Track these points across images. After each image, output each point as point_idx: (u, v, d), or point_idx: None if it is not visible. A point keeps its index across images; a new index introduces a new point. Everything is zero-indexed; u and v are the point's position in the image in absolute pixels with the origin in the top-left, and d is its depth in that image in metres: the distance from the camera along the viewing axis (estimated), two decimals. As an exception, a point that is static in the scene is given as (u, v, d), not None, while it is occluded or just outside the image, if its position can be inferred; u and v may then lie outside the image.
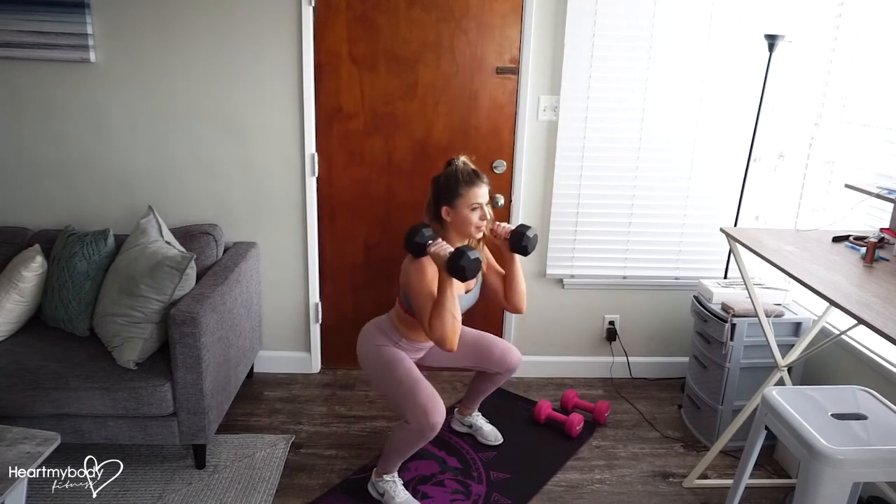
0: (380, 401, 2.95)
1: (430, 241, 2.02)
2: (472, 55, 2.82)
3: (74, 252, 2.55)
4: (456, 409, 2.73)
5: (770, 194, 3.00)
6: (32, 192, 2.86)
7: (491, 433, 2.64)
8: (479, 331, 2.50)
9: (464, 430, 2.69)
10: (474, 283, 2.25)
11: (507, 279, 2.27)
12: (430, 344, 2.28)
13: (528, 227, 2.16)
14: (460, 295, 2.13)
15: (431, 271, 2.05)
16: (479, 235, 2.16)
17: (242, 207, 2.93)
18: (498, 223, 2.25)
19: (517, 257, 2.24)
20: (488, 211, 2.15)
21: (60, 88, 2.75)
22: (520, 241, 2.16)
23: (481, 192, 2.11)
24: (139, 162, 2.85)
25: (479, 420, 2.67)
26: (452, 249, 1.94)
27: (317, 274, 3.05)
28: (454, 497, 2.32)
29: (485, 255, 2.32)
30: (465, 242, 2.15)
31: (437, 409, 2.07)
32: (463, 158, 2.16)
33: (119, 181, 2.87)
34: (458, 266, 1.89)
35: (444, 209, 2.13)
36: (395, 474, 2.28)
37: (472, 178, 2.11)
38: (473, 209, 2.10)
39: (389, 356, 2.20)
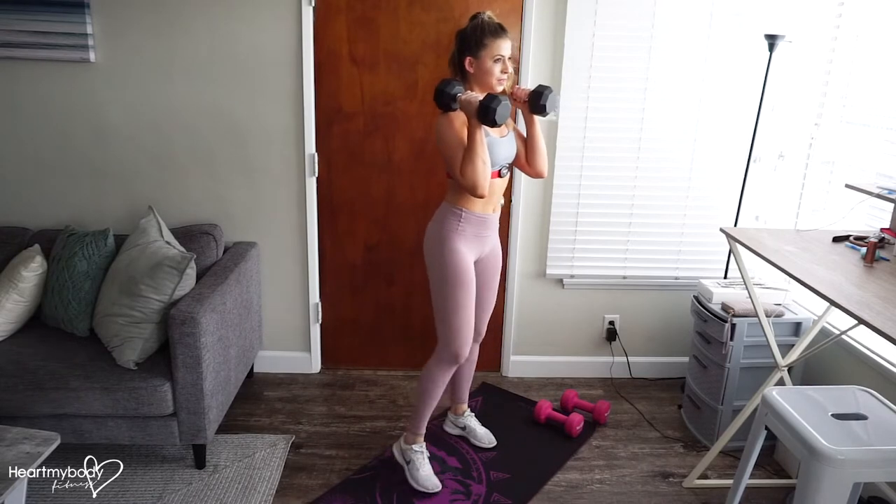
0: (380, 401, 2.95)
1: (459, 93, 2.05)
2: (472, 55, 2.82)
3: (74, 252, 2.55)
4: (448, 410, 2.71)
5: (770, 194, 3.00)
6: (32, 192, 2.86)
7: (485, 436, 2.62)
8: (496, 294, 2.47)
9: (456, 431, 2.68)
10: (507, 132, 2.24)
11: (529, 141, 2.27)
12: (489, 217, 2.25)
13: (546, 87, 2.14)
14: (496, 139, 2.15)
15: (460, 122, 2.09)
16: (500, 89, 2.16)
17: (242, 207, 2.93)
18: (518, 86, 2.28)
19: (536, 118, 2.22)
20: (510, 66, 2.15)
21: (60, 88, 2.75)
22: (538, 100, 2.13)
23: (505, 45, 2.11)
24: (139, 162, 2.85)
25: (472, 421, 2.66)
26: (482, 97, 1.96)
27: (317, 274, 3.05)
28: (454, 497, 2.32)
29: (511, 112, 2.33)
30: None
31: (467, 344, 2.23)
32: (489, 12, 2.15)
33: (119, 181, 2.87)
34: (490, 108, 1.91)
35: (468, 59, 2.13)
36: (424, 445, 2.37)
37: (497, 30, 2.11)
38: (497, 60, 2.11)
39: (454, 271, 2.18)
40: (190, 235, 2.72)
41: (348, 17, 2.76)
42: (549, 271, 3.06)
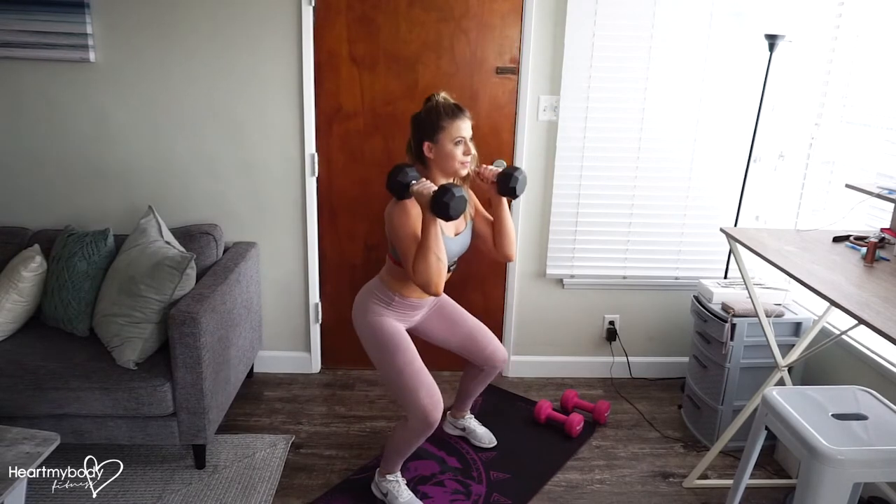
0: (380, 401, 2.95)
1: (413, 181, 1.92)
2: (472, 55, 2.82)
3: (74, 252, 2.55)
4: (448, 413, 2.69)
5: (770, 194, 3.00)
6: (32, 192, 2.86)
7: (485, 435, 2.61)
8: (480, 322, 2.43)
9: (457, 433, 2.66)
10: (464, 226, 2.15)
11: (496, 224, 2.17)
12: (426, 301, 2.19)
13: (516, 168, 2.07)
14: (449, 237, 2.06)
15: (415, 213, 1.96)
16: (465, 172, 2.05)
17: (242, 207, 2.93)
18: (484, 165, 2.15)
19: (505, 201, 2.14)
20: (472, 147, 2.03)
21: (60, 88, 2.75)
22: (507, 182, 2.05)
23: (464, 126, 2.00)
24: (139, 162, 2.85)
25: (471, 422, 2.64)
26: (436, 187, 1.86)
27: (317, 274, 3.05)
28: (454, 497, 2.32)
29: (472, 199, 2.22)
30: (451, 181, 2.03)
31: (436, 406, 2.06)
32: (443, 94, 2.05)
33: (119, 181, 2.87)
34: (442, 202, 1.80)
35: (426, 145, 2.01)
36: (399, 474, 2.28)
37: (455, 111, 1.99)
38: (457, 143, 1.99)
39: (386, 338, 2.10)
40: (190, 235, 2.72)
41: (348, 17, 2.76)
42: (549, 271, 3.06)
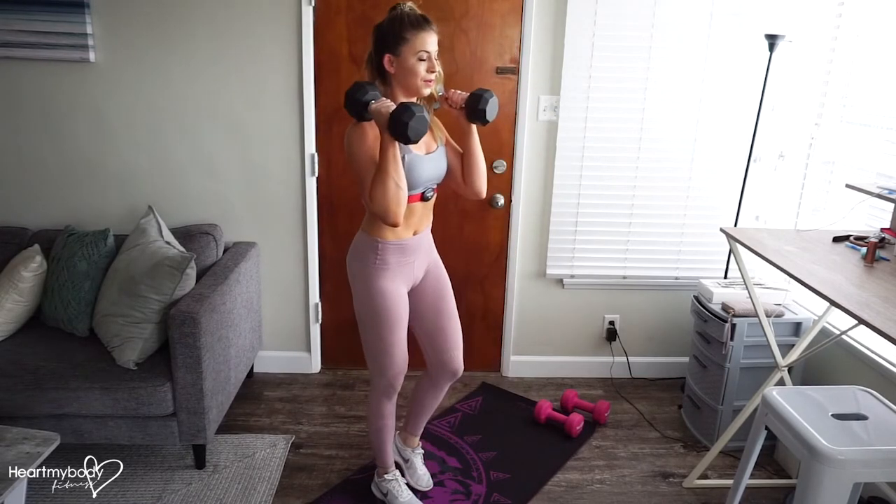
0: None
1: (372, 101, 1.77)
2: (472, 55, 2.82)
3: (74, 252, 2.55)
4: (397, 432, 2.41)
5: (770, 194, 3.00)
6: (32, 192, 2.86)
7: (423, 477, 2.35)
8: (459, 327, 2.19)
9: (398, 458, 2.39)
10: (436, 147, 1.98)
11: (466, 156, 2.00)
12: (411, 240, 1.98)
13: (486, 90, 1.89)
14: (419, 156, 1.90)
15: (374, 135, 1.81)
16: (428, 91, 1.88)
17: (242, 207, 2.93)
18: (453, 90, 1.96)
19: (475, 129, 1.97)
20: (438, 66, 1.86)
21: (60, 88, 2.75)
22: (476, 104, 1.87)
23: (430, 39, 1.83)
24: (139, 162, 2.85)
25: (417, 459, 2.39)
26: (395, 106, 1.71)
27: (317, 274, 3.05)
28: (454, 497, 2.32)
29: (441, 128, 2.05)
30: (412, 101, 1.87)
31: (401, 373, 2.05)
32: (410, 3, 1.87)
33: (119, 181, 2.87)
34: (401, 121, 1.65)
35: (386, 58, 1.84)
36: (397, 472, 2.27)
37: (420, 22, 1.82)
38: (421, 59, 1.82)
39: (380, 308, 1.96)
40: (190, 235, 2.72)
41: (348, 17, 2.76)
42: (549, 271, 3.06)
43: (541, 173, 2.95)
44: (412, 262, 2.03)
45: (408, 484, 2.30)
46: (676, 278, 3.09)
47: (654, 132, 2.90)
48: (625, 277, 3.08)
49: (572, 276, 3.08)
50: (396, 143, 1.74)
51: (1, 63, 2.70)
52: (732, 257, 2.60)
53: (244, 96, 2.79)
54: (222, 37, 2.72)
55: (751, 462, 1.95)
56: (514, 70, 2.84)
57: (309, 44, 2.75)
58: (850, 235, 2.22)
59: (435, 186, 1.99)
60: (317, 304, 3.09)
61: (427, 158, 1.93)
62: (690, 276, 3.06)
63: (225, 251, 2.84)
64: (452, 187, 2.09)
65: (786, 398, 1.84)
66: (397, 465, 2.35)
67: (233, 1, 2.68)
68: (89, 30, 2.66)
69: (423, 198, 1.94)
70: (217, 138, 2.84)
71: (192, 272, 2.43)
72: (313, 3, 2.72)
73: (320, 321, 3.13)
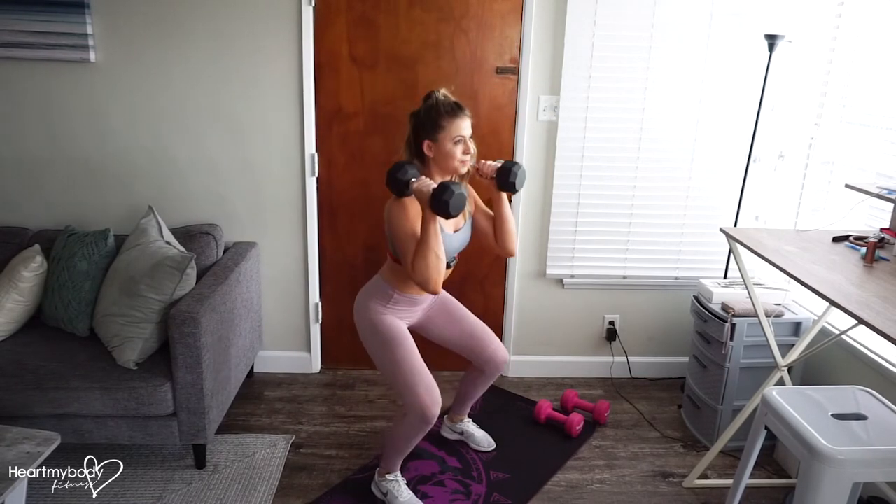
0: (380, 401, 2.95)
1: (413, 178, 1.93)
2: (472, 55, 2.82)
3: (74, 252, 2.55)
4: (446, 416, 2.64)
5: (770, 194, 3.00)
6: (32, 192, 2.86)
7: (483, 439, 2.59)
8: (482, 322, 2.41)
9: (454, 437, 2.63)
10: (463, 223, 2.16)
11: (497, 220, 2.17)
12: (426, 298, 2.20)
13: (515, 163, 2.08)
14: (448, 234, 2.06)
15: (414, 210, 1.96)
16: (464, 171, 2.06)
17: (242, 207, 2.93)
18: (483, 161, 2.14)
19: (505, 196, 2.15)
20: (472, 146, 2.03)
21: (60, 88, 2.75)
22: (507, 178, 2.06)
23: (464, 125, 2.00)
24: (139, 162, 2.85)
25: (470, 426, 2.62)
26: (436, 185, 1.87)
27: (317, 274, 3.05)
28: (454, 497, 2.32)
29: (471, 195, 2.23)
30: (449, 178, 2.05)
31: (435, 402, 2.06)
32: (444, 91, 2.04)
33: (119, 181, 2.87)
34: (442, 200, 1.81)
35: (425, 143, 2.01)
36: (399, 473, 2.28)
37: (455, 109, 1.99)
38: (457, 142, 1.99)
39: (387, 333, 2.11)
40: (190, 235, 2.72)
41: (348, 17, 2.77)
42: (549, 271, 3.06)
43: (541, 173, 2.95)
44: (417, 312, 2.24)
45: (474, 449, 2.55)
46: (676, 278, 3.09)
47: (654, 132, 2.90)
48: (625, 277, 3.08)
49: (572, 276, 3.08)
50: (437, 218, 1.88)
51: (1, 63, 2.70)
52: (732, 257, 2.60)
53: (244, 96, 2.79)
54: (222, 37, 2.72)
55: (751, 462, 1.95)
56: (514, 70, 2.84)
57: (309, 44, 2.75)
58: (850, 235, 2.22)
59: (457, 255, 2.16)
60: (317, 304, 3.09)
61: (454, 236, 2.11)
62: (690, 276, 3.06)
63: (225, 251, 2.84)
64: (484, 245, 2.26)
65: (785, 398, 1.84)
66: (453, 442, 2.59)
67: (233, 1, 2.68)
68: (89, 30, 2.66)
69: (447, 266, 2.08)
70: (217, 138, 2.84)
71: (192, 272, 2.43)
72: (313, 4, 2.72)
73: (320, 321, 3.13)
